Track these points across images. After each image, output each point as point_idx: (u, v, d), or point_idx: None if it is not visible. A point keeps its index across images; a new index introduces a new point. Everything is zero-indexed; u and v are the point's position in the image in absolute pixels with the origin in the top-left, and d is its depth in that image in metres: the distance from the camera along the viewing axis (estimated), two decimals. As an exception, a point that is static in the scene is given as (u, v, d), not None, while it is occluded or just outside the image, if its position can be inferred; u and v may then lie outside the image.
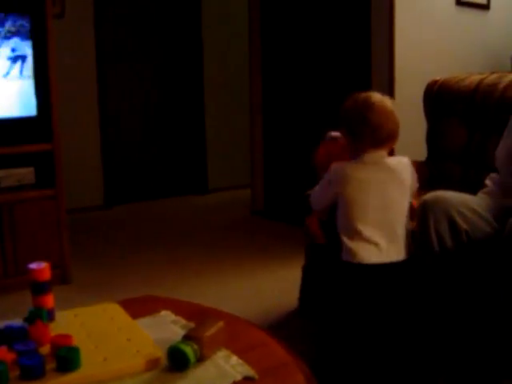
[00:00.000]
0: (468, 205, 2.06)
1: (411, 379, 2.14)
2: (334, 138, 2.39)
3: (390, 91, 3.86)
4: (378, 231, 2.08)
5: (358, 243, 2.09)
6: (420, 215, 2.06)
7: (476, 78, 3.08)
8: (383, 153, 2.17)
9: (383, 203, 2.10)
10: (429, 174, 3.15)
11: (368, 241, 2.08)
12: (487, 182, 2.37)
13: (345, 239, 2.11)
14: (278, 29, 4.94)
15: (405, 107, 3.84)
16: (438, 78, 3.25)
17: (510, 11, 4.63)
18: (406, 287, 2.09)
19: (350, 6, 4.23)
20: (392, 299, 2.08)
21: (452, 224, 2.00)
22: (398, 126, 2.15)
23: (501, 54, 4.51)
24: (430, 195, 2.07)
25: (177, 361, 1.34)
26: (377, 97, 2.18)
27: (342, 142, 2.28)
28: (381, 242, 2.07)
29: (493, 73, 3.08)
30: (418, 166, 3.19)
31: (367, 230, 2.09)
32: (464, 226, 2.00)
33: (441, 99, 3.18)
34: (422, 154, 3.25)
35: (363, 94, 2.18)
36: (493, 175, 2.39)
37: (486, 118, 2.94)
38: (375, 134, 2.13)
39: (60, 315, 1.60)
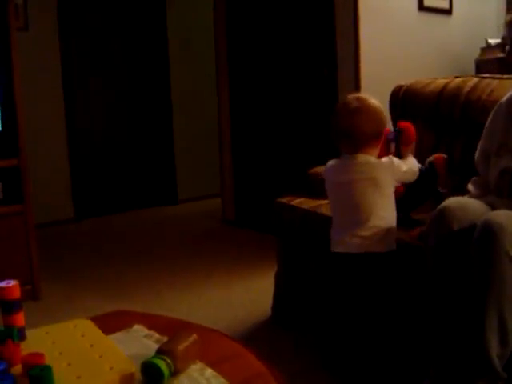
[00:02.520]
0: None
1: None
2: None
3: (356, 97, 3.89)
4: (345, 225, 2.27)
5: (332, 235, 2.33)
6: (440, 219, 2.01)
7: (441, 82, 3.11)
8: (356, 156, 2.29)
9: (351, 201, 2.26)
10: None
11: (337, 232, 2.31)
12: (469, 186, 2.39)
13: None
14: (243, 39, 4.95)
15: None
16: (403, 84, 3.28)
17: (471, 15, 4.69)
18: (375, 278, 2.20)
19: (314, 15, 4.25)
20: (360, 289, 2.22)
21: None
22: (355, 125, 2.26)
23: (465, 58, 4.57)
24: (452, 201, 2.04)
25: (151, 376, 1.33)
26: (349, 97, 2.36)
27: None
28: (346, 234, 2.25)
29: (457, 77, 3.12)
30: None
31: (338, 224, 2.32)
32: None
33: (406, 104, 3.21)
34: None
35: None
36: (474, 178, 2.42)
37: (452, 121, 2.97)
38: (332, 133, 2.34)
39: (31, 333, 1.58)
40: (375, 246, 2.19)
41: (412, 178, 2.36)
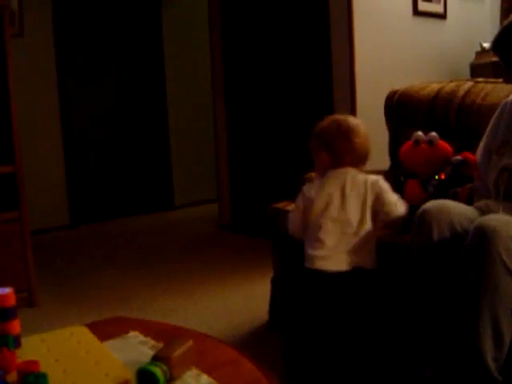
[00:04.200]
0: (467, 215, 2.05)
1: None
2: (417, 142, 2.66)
3: (351, 103, 3.90)
4: (328, 240, 2.20)
5: (308, 250, 2.25)
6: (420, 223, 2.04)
7: (435, 86, 3.12)
8: (346, 170, 2.29)
9: (339, 214, 2.22)
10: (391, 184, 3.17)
11: (315, 248, 2.22)
12: None
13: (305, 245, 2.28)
14: (239, 45, 4.96)
15: (367, 118, 3.89)
16: (397, 88, 3.28)
17: (466, 19, 4.71)
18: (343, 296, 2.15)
19: (309, 20, 4.26)
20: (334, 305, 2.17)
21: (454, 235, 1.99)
22: (351, 146, 2.31)
23: (459, 62, 4.58)
24: (432, 204, 2.05)
25: (146, 382, 1.32)
26: (339, 117, 2.39)
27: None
28: (326, 251, 2.19)
29: (451, 81, 3.12)
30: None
31: (317, 239, 2.24)
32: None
33: (401, 109, 3.21)
34: (385, 163, 3.27)
35: (343, 117, 2.38)
36: (469, 185, 2.42)
37: (447, 125, 2.97)
38: (355, 155, 2.31)
39: (26, 341, 1.58)
40: (362, 261, 2.19)
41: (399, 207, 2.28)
